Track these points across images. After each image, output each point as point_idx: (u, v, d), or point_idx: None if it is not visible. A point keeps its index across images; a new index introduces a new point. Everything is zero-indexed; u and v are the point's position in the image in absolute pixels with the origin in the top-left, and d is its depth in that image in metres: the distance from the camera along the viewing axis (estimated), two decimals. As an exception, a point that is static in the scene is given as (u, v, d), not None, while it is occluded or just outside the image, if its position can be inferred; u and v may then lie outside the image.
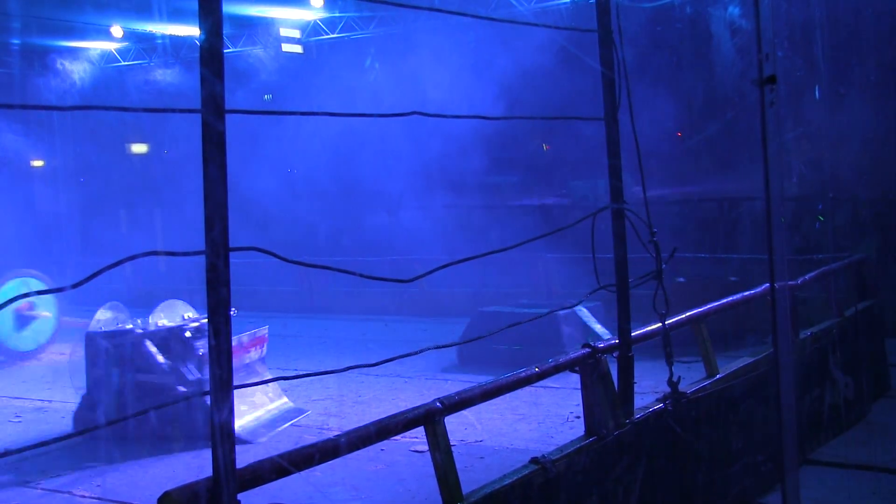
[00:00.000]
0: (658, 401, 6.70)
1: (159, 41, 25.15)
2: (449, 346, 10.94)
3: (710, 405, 7.26)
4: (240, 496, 3.68)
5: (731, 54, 16.56)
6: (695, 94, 18.17)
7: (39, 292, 6.28)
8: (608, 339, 6.45)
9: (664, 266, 6.35)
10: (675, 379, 6.64)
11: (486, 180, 23.24)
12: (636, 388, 6.45)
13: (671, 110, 17.07)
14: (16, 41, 24.87)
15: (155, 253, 3.84)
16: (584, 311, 14.49)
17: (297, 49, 23.81)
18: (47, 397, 13.39)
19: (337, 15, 22.84)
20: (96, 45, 25.65)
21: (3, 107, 4.16)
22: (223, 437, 3.53)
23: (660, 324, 6.57)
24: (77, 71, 25.87)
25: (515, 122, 17.69)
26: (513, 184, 23.50)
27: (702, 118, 19.07)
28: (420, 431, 4.97)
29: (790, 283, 8.64)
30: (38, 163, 30.80)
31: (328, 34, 23.43)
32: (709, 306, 8.31)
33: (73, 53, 25.75)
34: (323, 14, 22.89)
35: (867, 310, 10.94)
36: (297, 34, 23.54)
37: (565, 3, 19.72)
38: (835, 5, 15.46)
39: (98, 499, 9.02)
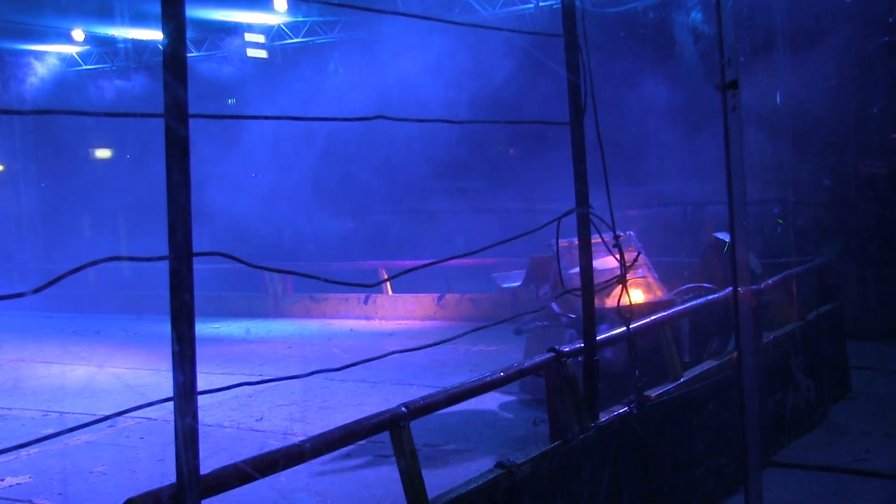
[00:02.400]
0: (623, 404, 6.73)
1: (121, 45, 24.94)
2: (415, 349, 10.91)
3: (674, 408, 7.30)
4: (203, 503, 3.64)
5: (695, 59, 16.66)
6: (657, 98, 18.25)
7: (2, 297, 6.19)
8: (574, 344, 6.46)
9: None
10: (638, 383, 6.67)
11: (452, 185, 23.26)
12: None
13: (634, 115, 17.16)
14: (-26, 44, 24.63)
15: (118, 258, 3.80)
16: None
17: (262, 53, 23.72)
18: (6, 405, 13.20)
19: (301, 19, 22.79)
20: (57, 49, 25.40)
21: (-39, 110, 4.10)
22: (186, 443, 3.50)
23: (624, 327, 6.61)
24: (37, 75, 25.60)
25: (480, 127, 17.71)
26: (477, 188, 23.52)
27: (665, 122, 19.18)
28: (385, 436, 4.96)
29: (753, 286, 8.71)
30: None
31: (292, 38, 23.37)
32: (673, 310, 8.36)
33: (34, 57, 25.48)
34: (287, 18, 22.83)
35: (829, 313, 11.05)
36: (261, 39, 23.46)
37: (529, 7, 19.77)
38: (796, 10, 15.59)
39: (59, 507, 8.91)
